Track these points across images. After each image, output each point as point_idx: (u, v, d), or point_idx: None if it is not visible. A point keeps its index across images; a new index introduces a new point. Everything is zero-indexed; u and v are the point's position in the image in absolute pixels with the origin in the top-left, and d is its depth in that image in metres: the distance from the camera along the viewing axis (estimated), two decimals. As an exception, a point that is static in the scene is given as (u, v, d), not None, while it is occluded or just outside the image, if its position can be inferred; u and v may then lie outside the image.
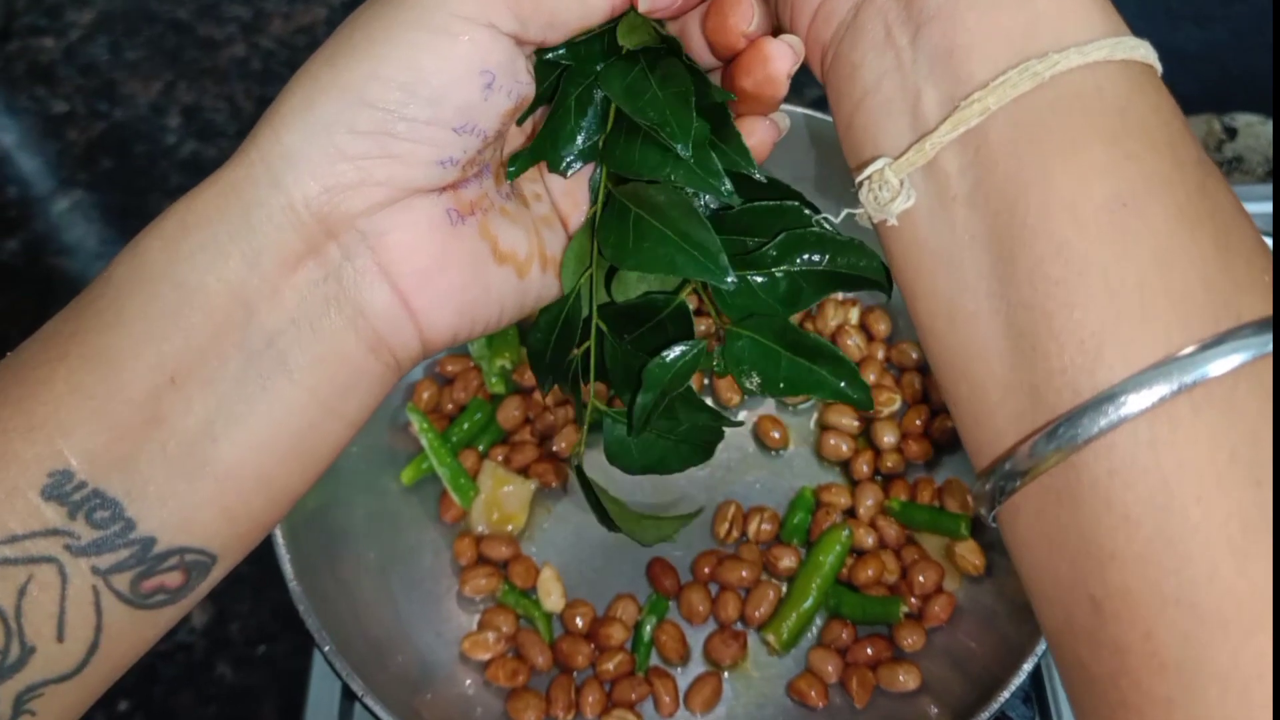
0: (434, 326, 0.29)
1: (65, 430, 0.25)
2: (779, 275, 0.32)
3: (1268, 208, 0.67)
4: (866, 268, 0.31)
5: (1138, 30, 0.26)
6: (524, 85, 0.29)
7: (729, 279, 0.29)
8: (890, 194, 0.26)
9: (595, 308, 0.33)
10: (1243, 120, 0.74)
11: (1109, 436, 0.22)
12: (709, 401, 0.61)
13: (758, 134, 0.31)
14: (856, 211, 0.28)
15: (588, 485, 0.35)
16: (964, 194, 0.25)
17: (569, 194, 0.33)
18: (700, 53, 0.32)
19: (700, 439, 0.35)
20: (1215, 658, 0.21)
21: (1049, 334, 0.24)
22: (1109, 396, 0.22)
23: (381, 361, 0.29)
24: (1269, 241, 0.65)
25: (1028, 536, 0.25)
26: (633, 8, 0.30)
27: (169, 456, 0.26)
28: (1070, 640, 0.24)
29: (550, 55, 0.31)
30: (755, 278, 0.32)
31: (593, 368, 0.34)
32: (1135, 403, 0.22)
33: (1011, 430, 0.25)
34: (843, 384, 0.32)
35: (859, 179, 0.27)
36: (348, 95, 0.27)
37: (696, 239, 0.29)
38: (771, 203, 0.31)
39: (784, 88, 0.29)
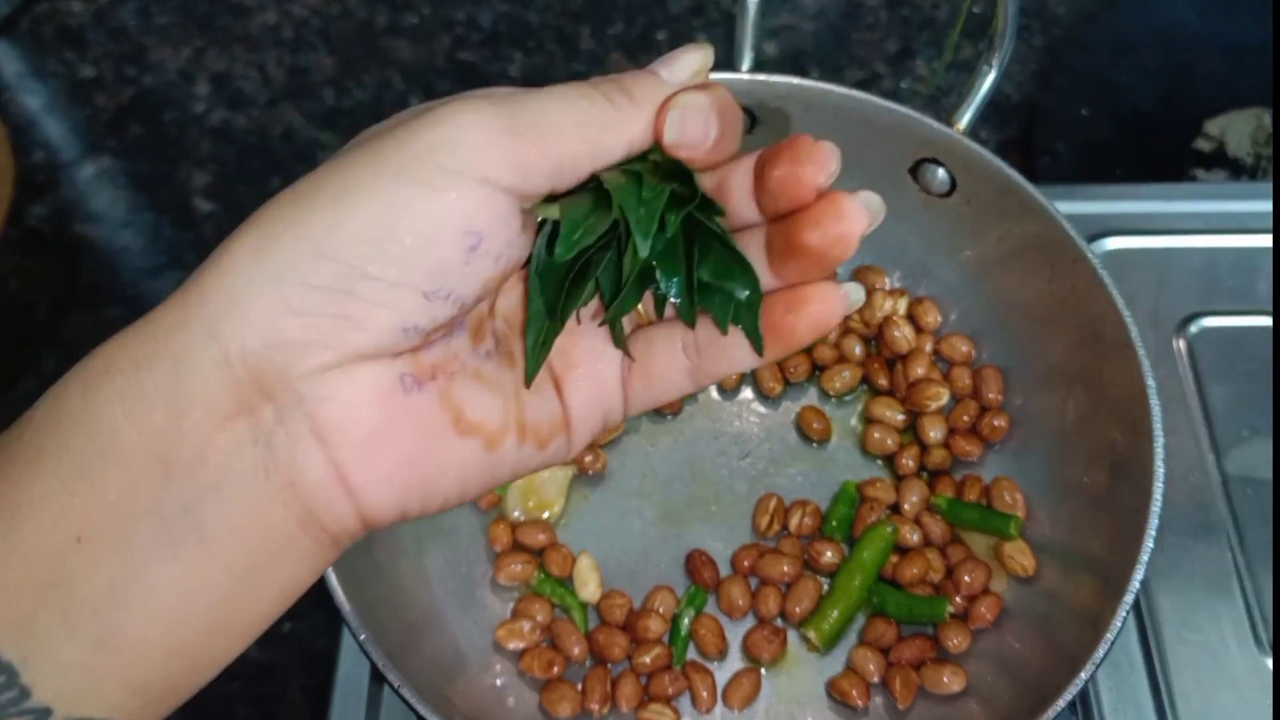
0: (374, 504, 0.26)
1: None
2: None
3: (1267, 206, 0.65)
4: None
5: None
6: (517, 249, 0.26)
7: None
8: None
9: None
10: (1299, 115, 0.72)
11: None
12: (747, 391, 0.60)
13: (831, 302, 0.28)
14: None
15: None
16: None
17: (563, 353, 0.29)
18: (738, 208, 0.28)
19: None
20: None
21: None
22: None
23: (312, 537, 0.26)
24: (1257, 241, 0.64)
25: None
26: (656, 145, 0.27)
27: (69, 623, 0.24)
28: None
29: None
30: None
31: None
32: None
33: None
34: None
35: None
36: (305, 244, 0.24)
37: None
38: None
39: (853, 249, 0.26)
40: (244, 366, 0.24)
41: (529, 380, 0.28)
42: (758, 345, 0.28)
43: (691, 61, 0.27)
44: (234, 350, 0.24)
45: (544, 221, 0.27)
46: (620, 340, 0.30)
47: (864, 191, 0.27)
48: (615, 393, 0.30)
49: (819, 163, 0.26)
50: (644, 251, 0.27)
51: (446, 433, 0.27)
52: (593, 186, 0.27)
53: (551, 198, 0.27)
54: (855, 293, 0.28)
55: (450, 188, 0.24)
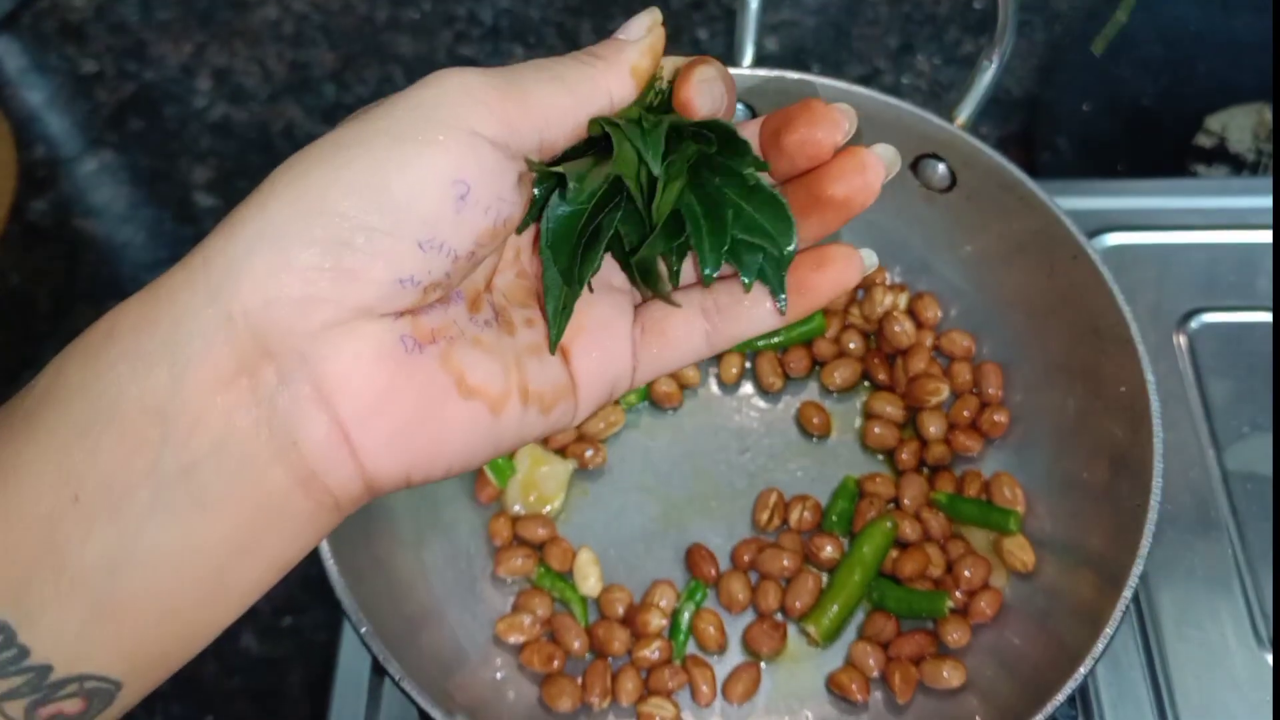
0: (379, 465, 0.26)
1: None
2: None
3: (1268, 202, 0.65)
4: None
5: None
6: (508, 204, 0.26)
7: None
8: None
9: None
10: (1300, 111, 0.72)
11: None
12: (747, 386, 0.60)
13: (853, 261, 0.30)
14: None
15: None
16: None
17: (572, 319, 0.30)
18: None
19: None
20: None
21: None
22: None
23: (313, 500, 0.26)
24: (1258, 237, 0.64)
25: None
26: (645, 105, 0.28)
27: (62, 585, 0.24)
28: None
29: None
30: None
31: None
32: None
33: None
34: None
35: None
36: (303, 201, 0.25)
37: None
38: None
39: (874, 197, 0.29)
40: (246, 325, 0.24)
41: (553, 347, 0.29)
42: (782, 303, 0.30)
43: (642, 21, 0.29)
44: (236, 309, 0.24)
45: (550, 191, 0.28)
46: (658, 285, 0.30)
47: (879, 144, 0.29)
48: (625, 359, 0.30)
49: (834, 122, 0.28)
50: (656, 169, 0.27)
51: (449, 395, 0.27)
52: (591, 153, 0.28)
53: (553, 165, 0.28)
54: (870, 258, 0.30)
55: (438, 140, 0.25)
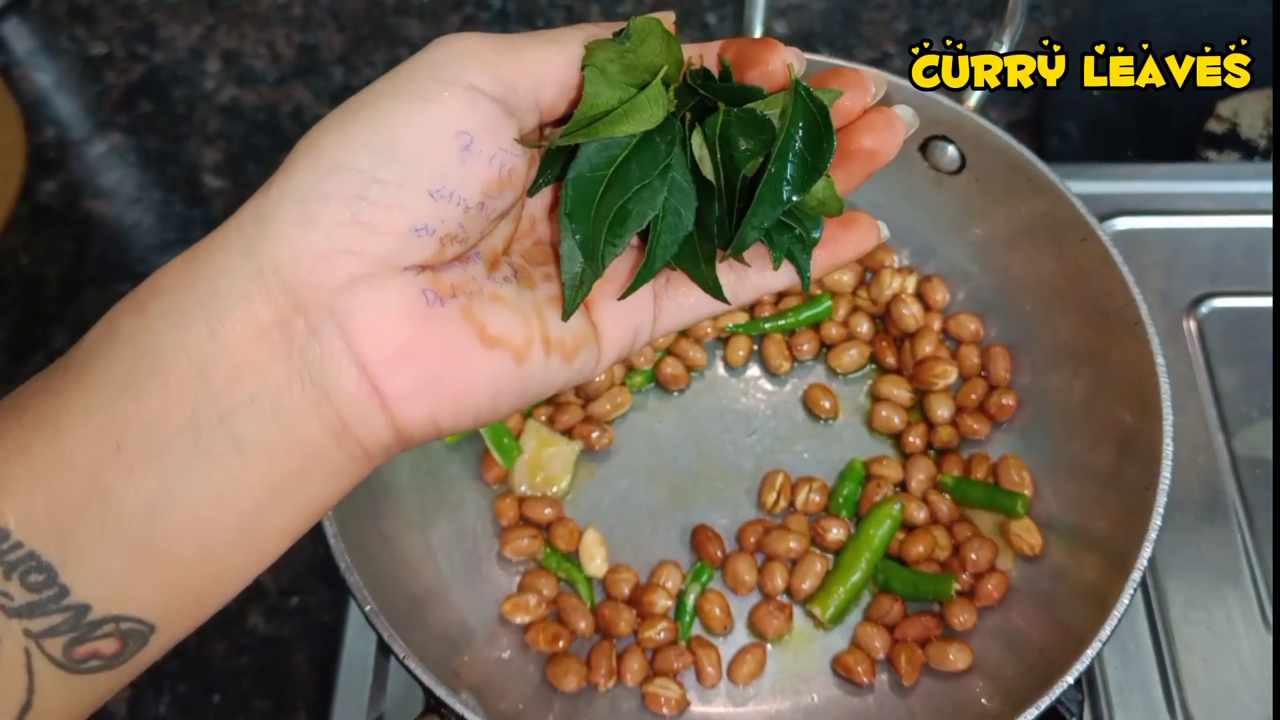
0: (408, 415, 0.28)
1: (5, 489, 0.25)
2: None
3: (1268, 187, 0.65)
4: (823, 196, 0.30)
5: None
6: (512, 155, 0.28)
7: None
8: None
9: None
10: (1313, 96, 0.72)
11: None
12: (754, 368, 0.60)
13: (875, 227, 0.32)
14: None
15: None
16: None
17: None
18: None
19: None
20: None
21: None
22: None
23: (345, 450, 0.27)
24: (1269, 223, 0.63)
25: None
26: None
27: (105, 529, 0.25)
28: None
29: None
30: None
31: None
32: None
33: None
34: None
35: None
36: (321, 161, 0.27)
37: None
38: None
39: (897, 151, 0.31)
40: (277, 280, 0.26)
41: (566, 315, 0.30)
42: (805, 282, 0.32)
43: (657, 13, 0.31)
44: (267, 264, 0.26)
45: (568, 158, 0.29)
46: (714, 288, 0.31)
47: (898, 105, 0.31)
48: (646, 308, 0.32)
49: (864, 87, 0.31)
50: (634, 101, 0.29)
51: (473, 345, 0.28)
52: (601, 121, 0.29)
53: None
54: (884, 228, 0.33)
55: (440, 94, 0.27)
